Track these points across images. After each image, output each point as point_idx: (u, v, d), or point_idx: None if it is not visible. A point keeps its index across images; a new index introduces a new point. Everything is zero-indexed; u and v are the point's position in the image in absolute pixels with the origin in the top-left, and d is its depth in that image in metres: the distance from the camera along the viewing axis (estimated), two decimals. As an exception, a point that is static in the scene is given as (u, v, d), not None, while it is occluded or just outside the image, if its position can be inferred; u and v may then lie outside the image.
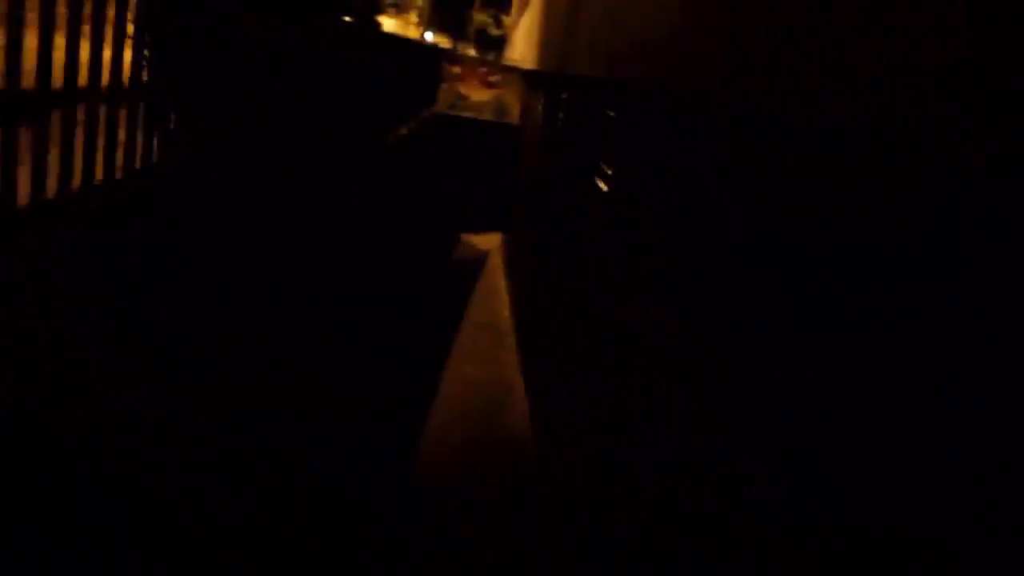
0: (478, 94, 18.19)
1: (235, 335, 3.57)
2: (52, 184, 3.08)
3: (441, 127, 9.38)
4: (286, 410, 3.08)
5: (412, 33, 31.46)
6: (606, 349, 2.74)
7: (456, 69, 20.74)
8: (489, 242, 8.30)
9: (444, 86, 12.60)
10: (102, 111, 3.23)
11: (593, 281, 3.01)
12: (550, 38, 5.80)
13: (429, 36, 33.98)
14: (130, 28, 3.34)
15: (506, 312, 5.52)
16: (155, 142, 3.64)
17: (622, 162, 2.83)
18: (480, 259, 7.53)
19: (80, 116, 3.12)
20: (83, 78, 3.13)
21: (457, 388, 3.68)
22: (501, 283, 6.60)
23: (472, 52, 31.83)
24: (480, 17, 42.75)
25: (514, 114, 11.51)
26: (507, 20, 36.90)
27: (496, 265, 7.37)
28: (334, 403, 3.24)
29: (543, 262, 4.42)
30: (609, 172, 2.99)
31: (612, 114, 3.01)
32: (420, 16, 36.60)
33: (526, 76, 9.30)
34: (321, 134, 5.60)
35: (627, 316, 2.49)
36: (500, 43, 35.52)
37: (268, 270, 4.61)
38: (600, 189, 3.05)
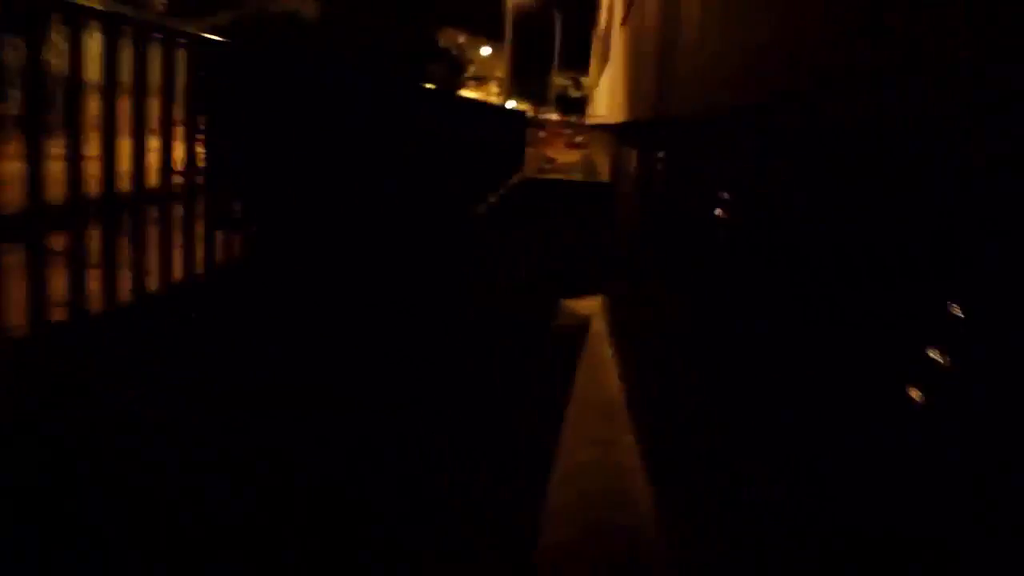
0: (565, 156, 18.03)
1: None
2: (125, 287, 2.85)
3: (530, 192, 9.10)
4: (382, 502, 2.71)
5: (494, 102, 31.81)
6: (747, 422, 2.27)
7: (541, 133, 20.69)
8: (589, 306, 7.88)
9: (530, 150, 12.38)
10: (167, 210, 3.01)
11: (726, 344, 2.55)
12: (641, 85, 5.42)
13: (511, 104, 34.31)
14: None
15: (615, 385, 5.05)
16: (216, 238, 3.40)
17: (747, 196, 2.39)
18: (582, 325, 7.10)
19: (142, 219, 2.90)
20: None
21: (572, 471, 3.24)
22: (606, 351, 6.14)
23: (554, 115, 31.99)
24: (559, 80, 43.18)
25: (603, 172, 11.18)
26: (586, 81, 37.20)
27: (599, 331, 6.92)
28: (450, 488, 2.87)
29: (656, 325, 3.97)
30: (730, 211, 2.56)
31: (727, 145, 2.58)
32: (500, 86, 37.08)
33: (614, 130, 8.97)
34: (404, 206, 5.35)
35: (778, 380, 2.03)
36: (581, 104, 35.72)
37: (352, 349, 4.29)
38: (722, 232, 2.62)
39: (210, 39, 3.20)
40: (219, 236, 3.56)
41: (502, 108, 9.93)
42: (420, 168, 5.36)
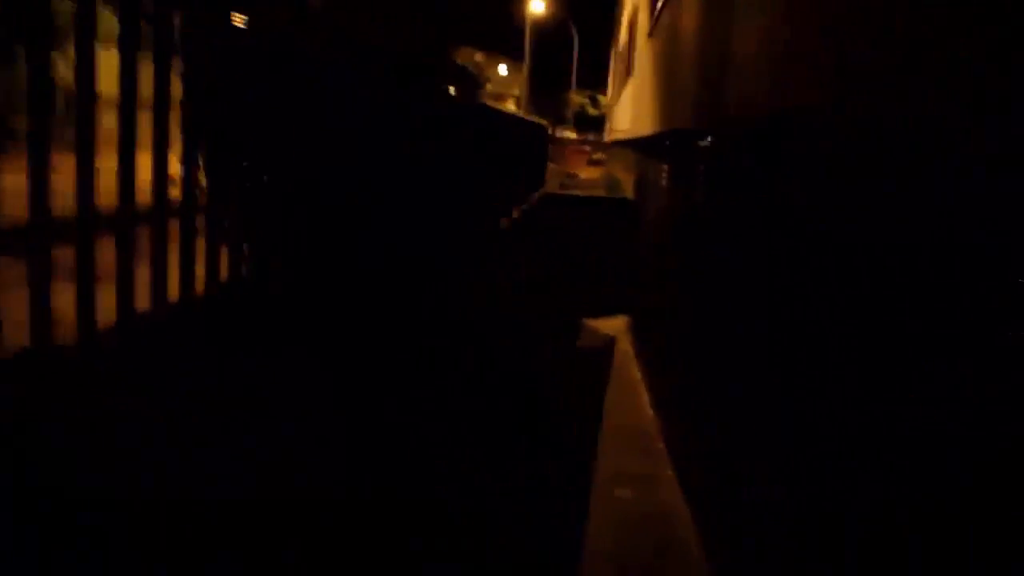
0: (586, 172, 17.78)
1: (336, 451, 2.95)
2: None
3: (553, 207, 8.82)
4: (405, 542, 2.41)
5: (512, 120, 31.58)
6: (812, 459, 1.97)
7: (561, 150, 20.44)
8: (614, 326, 7.57)
9: (551, 166, 12.13)
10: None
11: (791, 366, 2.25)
12: (676, 95, 5.13)
13: (528, 121, 34.14)
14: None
15: (647, 410, 4.74)
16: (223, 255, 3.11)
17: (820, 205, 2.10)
18: (607, 346, 6.79)
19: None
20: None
21: (610, 513, 2.93)
22: (635, 373, 5.83)
23: (572, 133, 31.79)
24: (577, 99, 42.95)
25: (626, 189, 10.90)
26: (603, 99, 36.98)
27: (626, 351, 6.61)
28: (474, 527, 2.56)
29: (698, 346, 3.66)
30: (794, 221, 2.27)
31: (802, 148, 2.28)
32: (518, 104, 36.93)
33: (639, 145, 8.69)
34: (426, 219, 5.07)
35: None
36: (599, 122, 35.52)
37: (365, 377, 4.01)
38: (787, 243, 2.34)
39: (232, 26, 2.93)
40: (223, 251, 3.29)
41: (526, 120, 9.63)
42: (444, 180, 5.09)
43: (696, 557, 2.62)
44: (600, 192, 12.01)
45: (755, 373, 2.51)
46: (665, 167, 5.68)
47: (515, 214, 7.12)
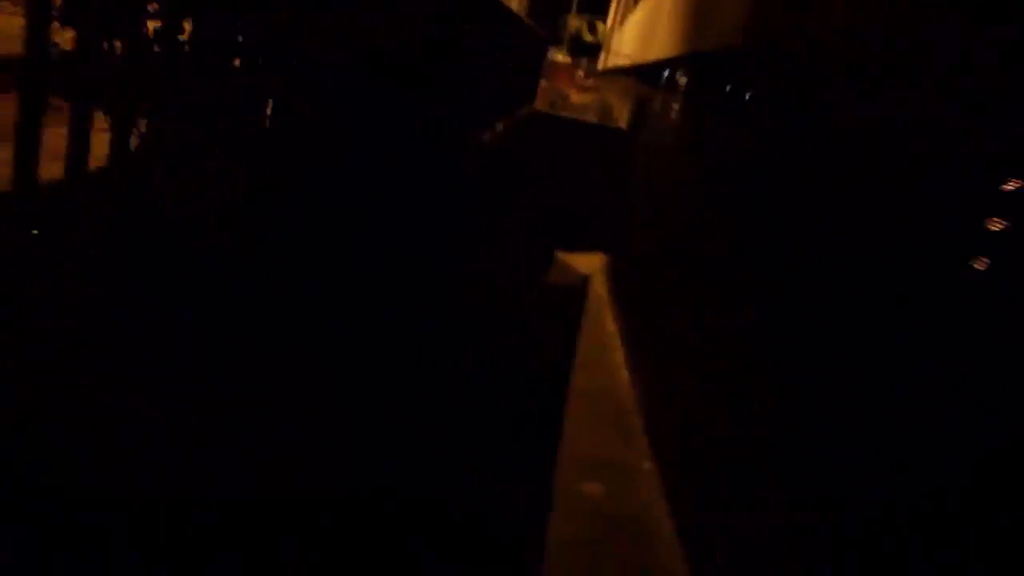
0: (576, 96, 16.96)
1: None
2: None
3: (540, 127, 8.08)
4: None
5: (505, 33, 30.28)
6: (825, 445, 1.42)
7: (552, 70, 19.54)
8: (589, 263, 6.93)
9: (543, 83, 11.32)
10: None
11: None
12: (716, 9, 4.40)
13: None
14: None
15: (622, 371, 4.12)
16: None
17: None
18: (580, 287, 6.15)
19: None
20: None
21: (574, 521, 2.32)
22: (609, 324, 5.21)
23: (565, 57, 30.71)
24: (575, 22, 41.45)
25: (620, 118, 10.17)
26: (602, 27, 35.69)
27: (600, 295, 5.98)
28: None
29: (703, 299, 3.04)
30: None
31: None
32: (514, 17, 35.43)
33: (646, 71, 7.94)
34: (401, 122, 4.34)
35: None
36: (594, 49, 34.37)
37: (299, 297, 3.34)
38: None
39: None
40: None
41: (526, 24, 8.78)
42: (414, 71, 4.35)
43: (673, 564, 2.02)
44: (591, 118, 11.28)
45: (798, 350, 1.89)
46: (679, 97, 4.98)
47: (499, 127, 6.39)
